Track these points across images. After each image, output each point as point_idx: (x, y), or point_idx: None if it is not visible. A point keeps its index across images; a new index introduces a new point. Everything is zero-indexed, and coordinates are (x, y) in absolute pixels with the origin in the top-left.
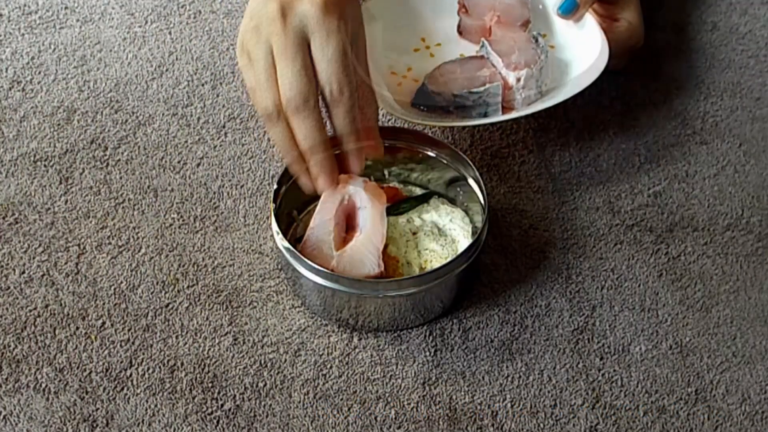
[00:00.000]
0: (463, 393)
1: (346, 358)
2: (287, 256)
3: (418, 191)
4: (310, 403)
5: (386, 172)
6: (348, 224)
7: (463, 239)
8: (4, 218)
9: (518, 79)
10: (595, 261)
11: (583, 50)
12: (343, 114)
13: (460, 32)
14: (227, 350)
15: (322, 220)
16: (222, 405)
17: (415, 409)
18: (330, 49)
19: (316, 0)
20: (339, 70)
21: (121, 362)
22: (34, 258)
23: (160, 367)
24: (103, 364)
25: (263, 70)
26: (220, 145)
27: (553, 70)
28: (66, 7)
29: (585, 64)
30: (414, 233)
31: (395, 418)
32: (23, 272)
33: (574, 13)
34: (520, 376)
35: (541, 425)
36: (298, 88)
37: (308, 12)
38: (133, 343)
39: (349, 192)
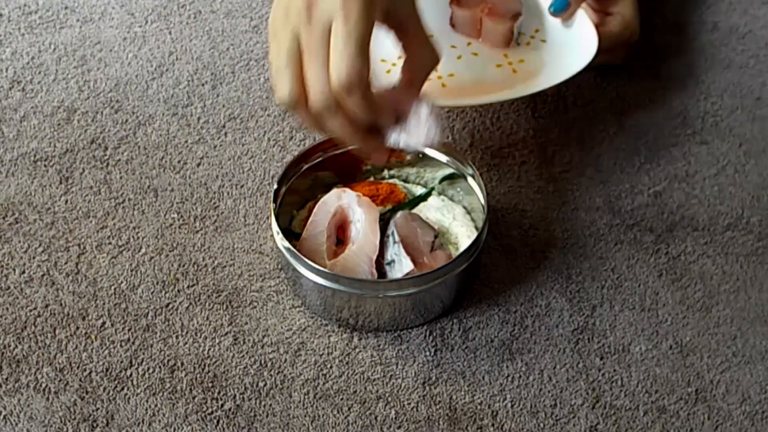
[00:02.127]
0: (463, 393)
1: (346, 358)
2: (287, 256)
3: (419, 190)
4: (310, 403)
5: (386, 172)
6: (340, 237)
7: (463, 238)
8: (4, 218)
9: None
10: (595, 261)
11: (574, 43)
12: (354, 102)
13: (452, 24)
14: (227, 350)
15: (313, 232)
16: (222, 405)
17: (415, 409)
18: (344, 32)
19: None
20: (350, 54)
21: (121, 362)
22: (34, 258)
23: (160, 367)
24: (103, 364)
25: (285, 59)
26: (220, 145)
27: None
28: (66, 7)
29: (576, 54)
30: None
31: (395, 418)
32: (23, 272)
33: (565, 11)
34: (520, 376)
35: (541, 425)
36: (319, 88)
37: (332, 1)
38: (133, 343)
39: (341, 205)
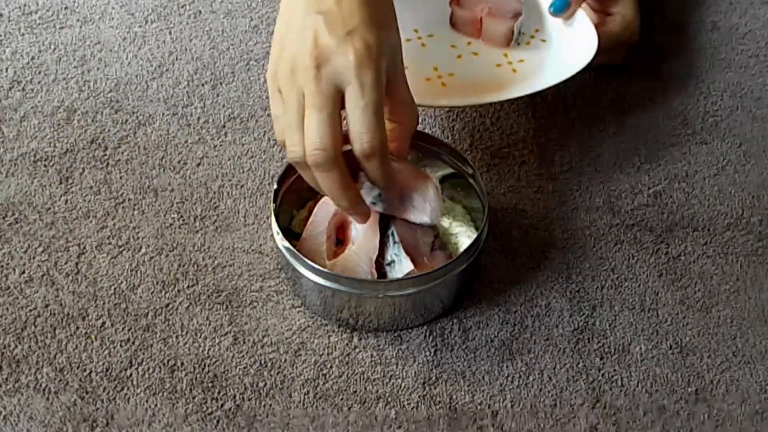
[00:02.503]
0: (463, 393)
1: (346, 358)
2: (287, 255)
3: None
4: (310, 403)
5: None
6: (340, 237)
7: (464, 238)
8: (4, 218)
9: None
10: (595, 261)
11: (574, 43)
12: (375, 166)
13: (452, 24)
14: (227, 350)
15: (313, 232)
16: (222, 405)
17: (415, 409)
18: (363, 102)
19: (353, 53)
20: (371, 123)
21: (121, 362)
22: (34, 258)
23: (160, 367)
24: (103, 364)
25: (296, 118)
26: (220, 145)
27: (545, 62)
28: (66, 7)
29: (576, 55)
30: None
31: (395, 418)
32: (23, 272)
33: (565, 11)
34: (520, 376)
35: (541, 425)
36: (320, 144)
37: (344, 65)
38: (133, 343)
39: None
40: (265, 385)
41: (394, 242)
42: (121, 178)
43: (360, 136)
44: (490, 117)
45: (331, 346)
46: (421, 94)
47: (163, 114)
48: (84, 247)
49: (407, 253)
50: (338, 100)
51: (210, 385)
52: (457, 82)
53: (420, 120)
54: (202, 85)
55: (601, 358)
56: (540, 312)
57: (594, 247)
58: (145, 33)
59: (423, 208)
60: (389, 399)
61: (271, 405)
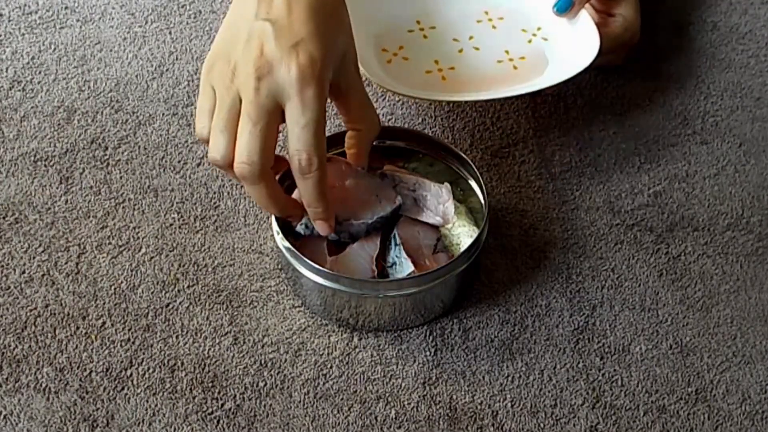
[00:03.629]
0: (463, 393)
1: (346, 358)
2: (287, 255)
3: None
4: (310, 403)
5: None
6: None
7: (464, 237)
8: (4, 218)
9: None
10: (595, 261)
11: (576, 42)
12: (311, 186)
13: None
14: (227, 350)
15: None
16: (222, 405)
17: (415, 409)
18: (303, 120)
19: (296, 67)
20: (310, 141)
21: (121, 362)
22: (34, 258)
23: (160, 367)
24: (103, 363)
25: (225, 121)
26: None
27: (546, 61)
28: (66, 7)
29: (578, 54)
30: None
31: (395, 418)
32: (23, 272)
33: (569, 10)
34: (520, 376)
35: (541, 425)
36: (247, 158)
37: (285, 79)
38: (133, 342)
39: None
40: (265, 385)
41: (396, 244)
42: (121, 178)
43: (298, 153)
44: (490, 117)
45: (331, 346)
46: (421, 86)
47: (163, 114)
48: (84, 247)
49: (409, 255)
50: (276, 114)
51: (210, 385)
52: (457, 75)
53: (420, 120)
54: None
55: (601, 358)
56: (540, 312)
57: (594, 247)
58: (145, 33)
59: (436, 210)
60: (389, 399)
61: (271, 405)
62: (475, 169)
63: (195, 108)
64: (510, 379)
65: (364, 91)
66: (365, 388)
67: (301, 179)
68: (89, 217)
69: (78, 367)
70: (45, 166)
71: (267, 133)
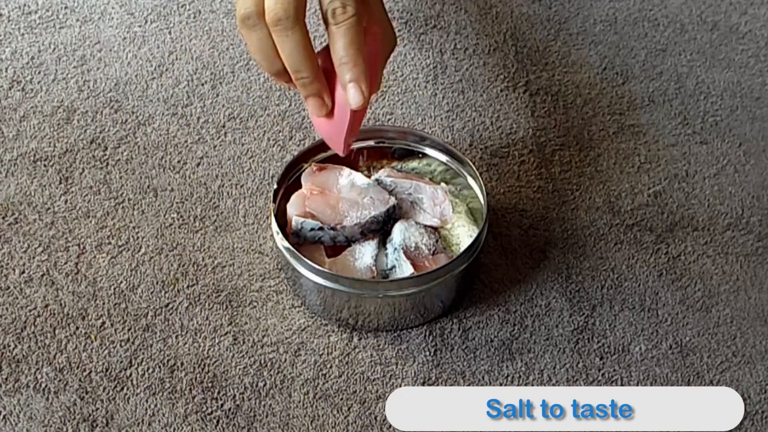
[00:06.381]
0: None
1: (346, 358)
2: (287, 255)
3: None
4: (310, 402)
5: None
6: None
7: (464, 237)
8: (4, 218)
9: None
10: (595, 261)
11: None
12: (348, 36)
13: None
14: (227, 350)
15: None
16: (222, 405)
17: None
18: None
19: None
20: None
21: (121, 362)
22: (34, 258)
23: (160, 367)
24: (103, 364)
25: None
26: (220, 145)
27: None
28: (66, 7)
29: None
30: None
31: None
32: (23, 272)
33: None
34: (520, 376)
35: None
36: None
37: None
38: (133, 342)
39: None
40: (265, 385)
41: (395, 248)
42: (121, 178)
43: (332, 4)
44: (490, 117)
45: (331, 346)
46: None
47: (163, 114)
48: (84, 247)
49: (408, 257)
50: None
51: (210, 385)
52: None
53: (420, 119)
54: (202, 84)
55: (601, 358)
56: (540, 312)
57: (594, 247)
58: (145, 33)
59: (433, 211)
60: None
61: (271, 405)
62: (475, 169)
63: (195, 108)
64: (510, 379)
65: (383, 6)
66: (365, 388)
67: (335, 30)
68: (89, 217)
69: (77, 367)
70: (44, 166)
71: None
